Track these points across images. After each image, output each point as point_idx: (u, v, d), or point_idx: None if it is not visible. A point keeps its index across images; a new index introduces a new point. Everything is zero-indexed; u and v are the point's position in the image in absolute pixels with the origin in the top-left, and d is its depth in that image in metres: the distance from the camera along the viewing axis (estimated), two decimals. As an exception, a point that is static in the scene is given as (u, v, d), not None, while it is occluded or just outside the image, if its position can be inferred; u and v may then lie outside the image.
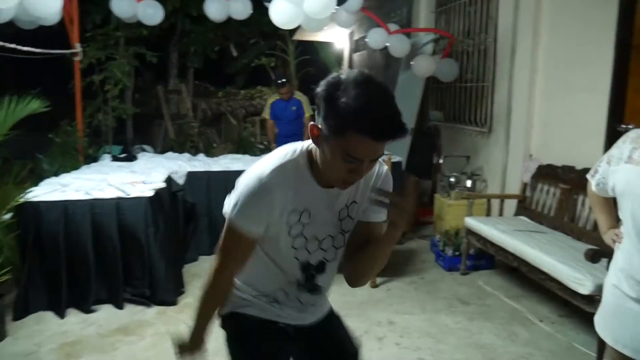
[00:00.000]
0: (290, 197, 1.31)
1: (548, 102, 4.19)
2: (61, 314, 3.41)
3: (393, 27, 5.42)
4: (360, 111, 1.12)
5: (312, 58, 9.82)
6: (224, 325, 1.59)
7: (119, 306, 3.52)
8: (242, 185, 1.35)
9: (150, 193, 3.59)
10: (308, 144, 1.35)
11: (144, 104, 7.63)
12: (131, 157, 4.93)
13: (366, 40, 5.54)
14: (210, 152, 6.88)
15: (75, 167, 4.93)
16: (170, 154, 5.49)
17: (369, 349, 3.05)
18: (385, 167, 1.45)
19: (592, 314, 2.87)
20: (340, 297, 3.21)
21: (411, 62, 5.42)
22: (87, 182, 3.71)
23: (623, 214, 1.87)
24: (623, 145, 1.94)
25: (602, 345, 2.78)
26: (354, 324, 3.31)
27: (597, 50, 3.60)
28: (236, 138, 8.81)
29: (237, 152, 6.52)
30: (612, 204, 2.06)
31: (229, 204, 1.36)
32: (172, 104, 8.11)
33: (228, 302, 1.54)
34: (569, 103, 3.92)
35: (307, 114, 5.52)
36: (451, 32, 5.59)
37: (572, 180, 3.76)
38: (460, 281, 4.17)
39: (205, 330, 1.53)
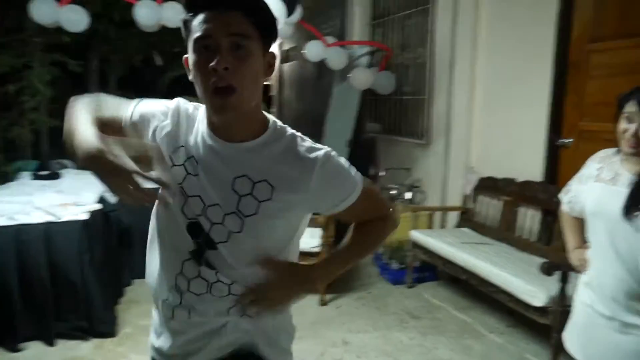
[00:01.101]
0: (191, 132, 1.13)
1: (487, 116, 4.30)
2: (-18, 356, 3.04)
3: (330, 39, 5.39)
4: None
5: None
6: None
7: (50, 343, 3.18)
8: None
9: (85, 216, 3.29)
10: None
11: (62, 116, 7.08)
12: (54, 175, 4.54)
13: (303, 52, 5.46)
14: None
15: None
16: (97, 170, 5.12)
17: (328, 373, 2.95)
18: (322, 152, 1.12)
19: (543, 325, 2.97)
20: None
21: (348, 75, 5.40)
22: (9, 206, 3.34)
23: (594, 234, 1.90)
24: (591, 163, 2.00)
25: (555, 356, 2.86)
26: (309, 346, 3.22)
27: (536, 65, 3.74)
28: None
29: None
30: (581, 224, 2.09)
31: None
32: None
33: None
34: (509, 117, 4.04)
35: None
36: (388, 45, 5.63)
37: (514, 192, 3.87)
38: (407, 295, 4.17)
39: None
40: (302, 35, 6.68)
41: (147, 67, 8.57)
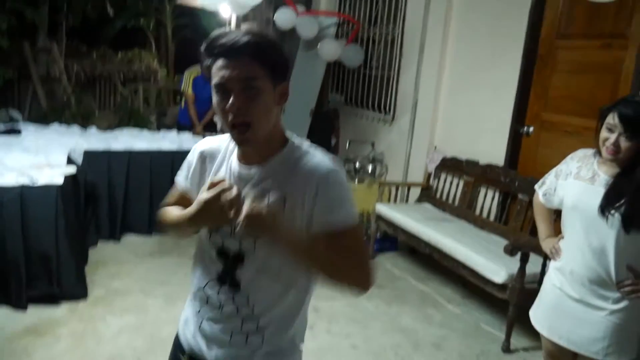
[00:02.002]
0: (214, 165, 1.32)
1: (454, 98, 4.50)
2: (-48, 316, 2.98)
3: (299, 8, 5.39)
4: (212, 39, 1.16)
5: (191, 23, 9.36)
6: None
7: (22, 307, 3.14)
8: None
9: (60, 180, 3.23)
10: None
11: (4, 63, 6.70)
12: (14, 131, 4.36)
13: (274, 19, 5.43)
14: (92, 122, 6.33)
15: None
16: (56, 126, 4.95)
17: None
18: (330, 167, 1.20)
19: (495, 298, 3.26)
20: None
21: (317, 45, 5.44)
22: (-22, 165, 3.23)
23: (571, 226, 2.12)
24: (571, 162, 2.20)
25: (510, 327, 3.16)
26: (282, 313, 3.37)
27: (506, 55, 3.94)
28: (115, 105, 8.20)
29: (125, 123, 6.07)
30: (552, 214, 2.33)
31: None
32: (40, 64, 7.25)
33: None
34: (475, 101, 4.25)
35: None
36: (356, 18, 5.69)
37: (476, 173, 4.13)
38: (369, 264, 4.38)
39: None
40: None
41: (99, 17, 8.20)
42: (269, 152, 1.23)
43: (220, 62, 1.13)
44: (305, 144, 1.26)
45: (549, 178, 2.28)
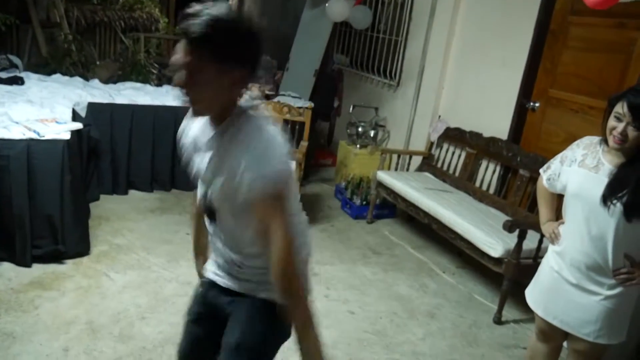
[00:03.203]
0: (194, 124, 1.49)
1: (461, 67, 4.46)
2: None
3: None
4: None
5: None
6: None
7: (26, 265, 3.18)
8: None
9: (67, 136, 3.23)
10: None
11: (4, 8, 6.52)
12: (17, 79, 4.31)
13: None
14: (93, 71, 6.24)
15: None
16: (58, 76, 4.89)
17: (301, 303, 3.21)
18: (256, 143, 1.31)
19: (489, 270, 3.35)
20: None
21: (325, 4, 5.33)
22: (-16, 117, 3.21)
23: (572, 213, 2.16)
24: (577, 149, 2.21)
25: (503, 300, 3.26)
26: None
27: (517, 27, 3.89)
28: (115, 54, 8.05)
29: (127, 75, 5.99)
30: (555, 198, 2.37)
31: None
32: (40, 8, 7.07)
33: None
34: (483, 72, 4.22)
35: None
36: (367, -23, 5.56)
37: (479, 146, 4.15)
38: (368, 230, 4.47)
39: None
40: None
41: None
42: (217, 119, 1.38)
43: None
44: (258, 118, 1.36)
45: (554, 163, 2.30)
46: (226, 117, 1.35)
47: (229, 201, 1.37)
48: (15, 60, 5.82)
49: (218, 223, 1.48)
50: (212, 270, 1.63)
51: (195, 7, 1.21)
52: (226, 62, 1.24)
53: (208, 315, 1.64)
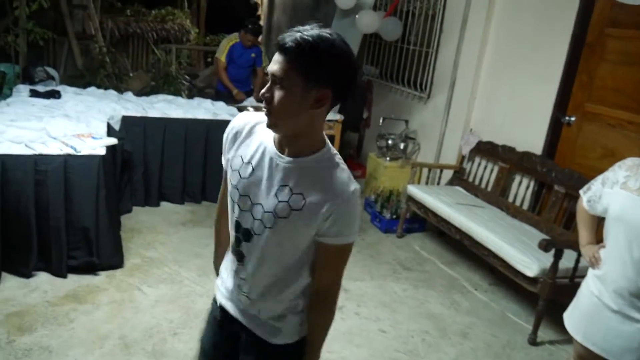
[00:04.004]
0: (244, 142, 1.41)
1: (494, 80, 4.40)
2: (-5, 279, 3.09)
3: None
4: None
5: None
6: None
7: (62, 276, 3.24)
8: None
9: (103, 151, 3.29)
10: None
11: (41, 20, 6.72)
12: (54, 93, 4.41)
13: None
14: (127, 83, 6.37)
15: (-18, 99, 4.35)
16: (93, 89, 5.00)
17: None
18: (352, 188, 1.31)
19: (521, 288, 3.27)
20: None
21: (355, 15, 5.33)
22: (24, 132, 3.28)
23: (614, 237, 2.10)
24: (619, 170, 2.14)
25: (539, 320, 3.18)
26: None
27: (552, 39, 3.82)
28: (147, 66, 8.21)
29: (159, 87, 6.10)
30: (596, 220, 2.30)
31: None
32: (76, 20, 7.26)
33: None
34: (516, 85, 4.15)
35: (264, 64, 5.56)
36: (398, -11, 5.54)
37: (512, 160, 4.07)
38: (398, 244, 4.42)
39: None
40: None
41: None
42: (300, 150, 1.31)
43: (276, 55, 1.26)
44: (337, 157, 1.35)
45: (595, 184, 2.24)
46: (302, 145, 1.31)
47: (288, 233, 1.33)
48: (52, 72, 5.97)
49: (252, 248, 1.39)
50: (224, 295, 1.55)
51: (298, 27, 1.26)
52: (312, 79, 1.23)
53: (224, 345, 1.59)
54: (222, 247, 1.62)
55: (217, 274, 1.65)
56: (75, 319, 2.91)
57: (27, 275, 3.18)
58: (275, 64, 1.24)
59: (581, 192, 2.33)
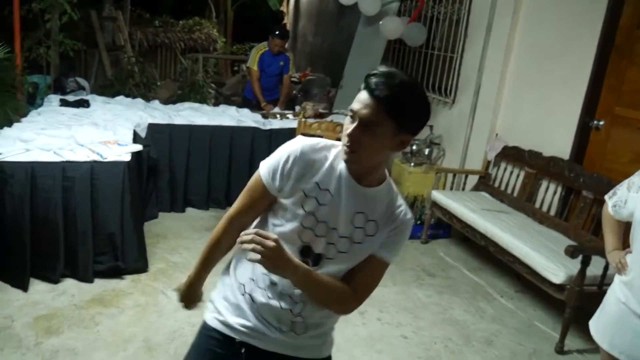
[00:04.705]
0: (321, 170, 1.37)
1: (520, 84, 4.33)
2: (25, 285, 3.15)
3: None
4: (373, 72, 1.29)
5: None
6: None
7: (89, 281, 3.30)
8: (289, 141, 1.43)
9: (127, 157, 3.35)
10: None
11: (72, 32, 6.92)
12: (83, 102, 4.53)
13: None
14: (154, 92, 6.49)
15: (16, 108, 4.49)
16: (121, 98, 5.11)
17: (354, 325, 3.18)
18: (409, 216, 1.45)
19: (549, 295, 3.20)
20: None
21: (380, 22, 5.33)
22: (53, 140, 3.38)
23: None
24: (646, 174, 2.09)
25: (566, 329, 3.10)
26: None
27: (579, 42, 3.75)
28: (175, 75, 8.36)
29: (186, 95, 6.20)
30: (622, 226, 2.24)
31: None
32: (106, 32, 7.45)
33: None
34: (543, 89, 4.08)
35: (291, 72, 5.62)
36: (422, -5, 5.52)
37: (538, 165, 4.00)
38: (422, 250, 4.38)
39: (198, 273, 1.58)
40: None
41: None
42: (372, 181, 1.38)
43: (363, 94, 1.28)
44: (393, 184, 1.45)
45: (621, 189, 2.19)
46: (374, 177, 1.38)
47: (359, 257, 1.41)
48: (83, 82, 6.14)
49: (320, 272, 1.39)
50: (247, 328, 1.45)
51: (384, 69, 1.29)
52: (404, 127, 1.29)
53: None
54: (212, 265, 1.56)
55: (195, 293, 1.63)
56: (100, 322, 2.96)
57: (55, 281, 3.25)
58: (365, 108, 1.26)
59: (606, 197, 2.27)
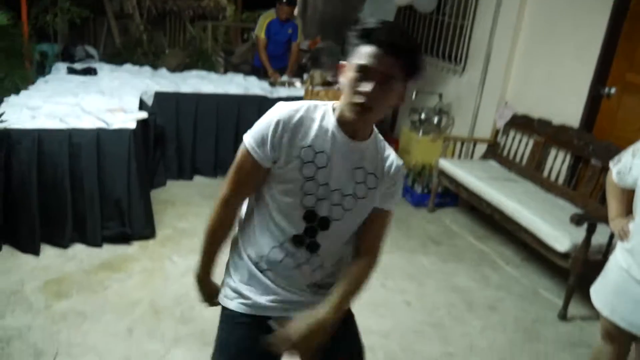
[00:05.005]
0: (311, 133, 1.34)
1: (531, 51, 4.25)
2: (36, 250, 3.22)
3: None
4: (373, 26, 1.25)
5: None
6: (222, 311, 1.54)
7: (98, 245, 3.36)
8: (270, 110, 1.37)
9: (133, 125, 3.36)
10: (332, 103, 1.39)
11: (81, 2, 6.86)
12: (90, 71, 4.53)
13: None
14: (163, 60, 6.45)
15: (24, 76, 4.49)
16: (129, 66, 5.10)
17: (358, 291, 3.21)
18: (401, 163, 1.46)
19: (554, 264, 3.19)
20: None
21: (389, -12, 5.22)
22: (59, 107, 3.39)
23: (645, 209, 2.02)
24: (651, 140, 2.06)
25: (569, 296, 3.11)
26: (338, 264, 3.46)
27: (593, 8, 3.65)
28: (184, 43, 8.29)
29: (194, 64, 6.16)
30: (626, 193, 2.22)
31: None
32: (114, 0, 7.38)
33: (221, 288, 1.56)
34: (554, 56, 4.00)
35: (299, 39, 5.54)
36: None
37: (547, 134, 3.95)
38: (428, 219, 4.38)
39: (206, 267, 1.55)
40: None
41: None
42: (365, 135, 1.38)
43: (373, 50, 1.23)
44: (379, 134, 1.44)
45: (625, 156, 2.16)
46: (368, 129, 1.38)
47: (365, 211, 1.42)
48: (92, 51, 6.12)
49: (329, 235, 1.39)
50: (277, 302, 1.45)
51: (380, 21, 1.26)
52: (413, 78, 1.29)
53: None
54: (218, 255, 1.52)
55: (211, 288, 1.57)
56: (108, 287, 3.02)
57: (64, 245, 3.31)
58: (383, 64, 1.22)
59: (611, 164, 2.24)
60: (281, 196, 1.37)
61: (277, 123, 1.32)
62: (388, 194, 1.44)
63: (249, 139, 1.36)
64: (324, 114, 1.36)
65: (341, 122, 1.35)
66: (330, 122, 1.35)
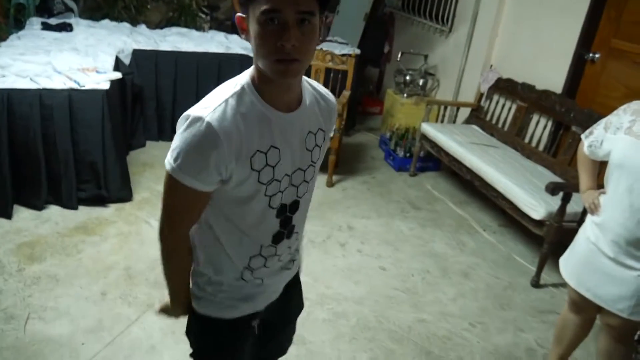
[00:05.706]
0: (247, 138, 1.10)
1: (517, 14, 4.16)
2: (8, 213, 3.19)
3: None
4: None
5: None
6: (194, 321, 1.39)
7: (73, 208, 3.34)
8: (185, 133, 1.07)
9: (106, 85, 3.28)
10: (245, 72, 1.18)
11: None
12: (65, 26, 4.38)
13: None
14: (144, 15, 6.25)
15: (-3, 31, 4.36)
16: (107, 22, 4.94)
17: (334, 256, 3.23)
18: (330, 96, 1.34)
19: (530, 231, 3.21)
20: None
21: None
22: (29, 66, 3.29)
23: (614, 183, 2.00)
24: (623, 115, 2.02)
25: (542, 263, 3.14)
26: (316, 227, 3.47)
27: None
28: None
29: (177, 19, 5.97)
30: (597, 166, 2.21)
31: (170, 154, 1.10)
32: (94, -52, 7.09)
33: (195, 299, 1.35)
34: (540, 19, 3.92)
35: None
36: None
37: (531, 99, 3.90)
38: (409, 183, 4.38)
39: (178, 296, 1.36)
40: None
41: None
42: (298, 92, 1.19)
43: None
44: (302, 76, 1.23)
45: (598, 129, 2.13)
46: (299, 87, 1.19)
47: (320, 162, 1.32)
48: (71, 4, 5.90)
49: (300, 213, 1.31)
50: (271, 289, 1.40)
51: None
52: (326, 6, 1.08)
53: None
54: (187, 287, 1.35)
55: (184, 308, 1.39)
56: (83, 250, 3.01)
57: (39, 207, 3.28)
58: (298, 4, 1.00)
59: (583, 136, 2.22)
60: (246, 210, 1.20)
61: (214, 144, 1.05)
62: (329, 129, 1.33)
63: (181, 173, 1.08)
64: (249, 102, 1.12)
65: (269, 98, 1.13)
66: (261, 107, 1.13)
